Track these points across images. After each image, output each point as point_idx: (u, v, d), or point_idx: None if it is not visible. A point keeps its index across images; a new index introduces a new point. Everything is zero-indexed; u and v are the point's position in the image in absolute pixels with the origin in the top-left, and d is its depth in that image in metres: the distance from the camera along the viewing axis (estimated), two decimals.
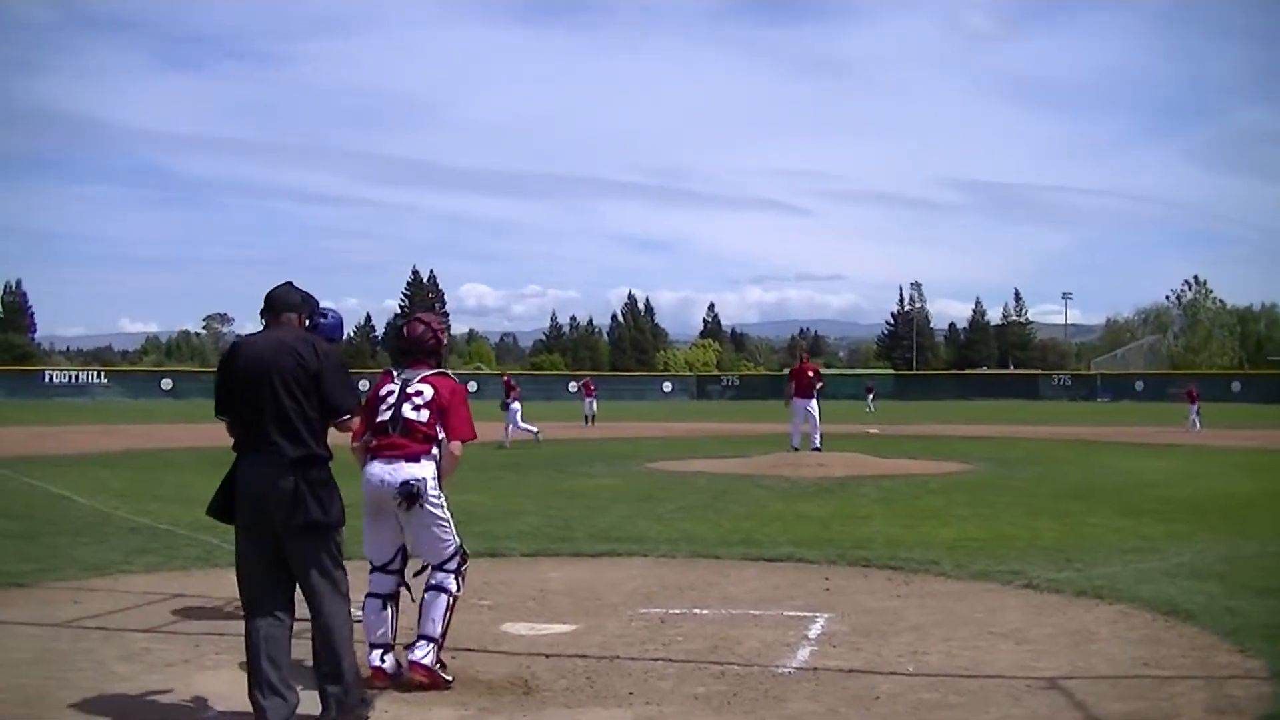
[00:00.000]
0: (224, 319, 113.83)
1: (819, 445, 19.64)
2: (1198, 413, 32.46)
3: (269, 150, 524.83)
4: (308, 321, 5.37)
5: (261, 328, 5.03)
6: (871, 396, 51.58)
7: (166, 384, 63.81)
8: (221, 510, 4.84)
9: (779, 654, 5.97)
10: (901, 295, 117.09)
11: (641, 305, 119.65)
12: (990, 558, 8.79)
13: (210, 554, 8.79)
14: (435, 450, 5.34)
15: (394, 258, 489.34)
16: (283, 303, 4.98)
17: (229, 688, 5.17)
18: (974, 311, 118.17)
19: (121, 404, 54.01)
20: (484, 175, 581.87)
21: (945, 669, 5.65)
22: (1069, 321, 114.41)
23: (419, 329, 5.60)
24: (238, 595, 4.87)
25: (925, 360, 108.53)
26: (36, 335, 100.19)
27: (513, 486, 15.05)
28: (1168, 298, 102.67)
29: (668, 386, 77.54)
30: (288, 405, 4.69)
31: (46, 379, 62.76)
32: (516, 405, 24.88)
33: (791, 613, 7.00)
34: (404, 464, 5.22)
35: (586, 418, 36.54)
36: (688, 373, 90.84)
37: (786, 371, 27.25)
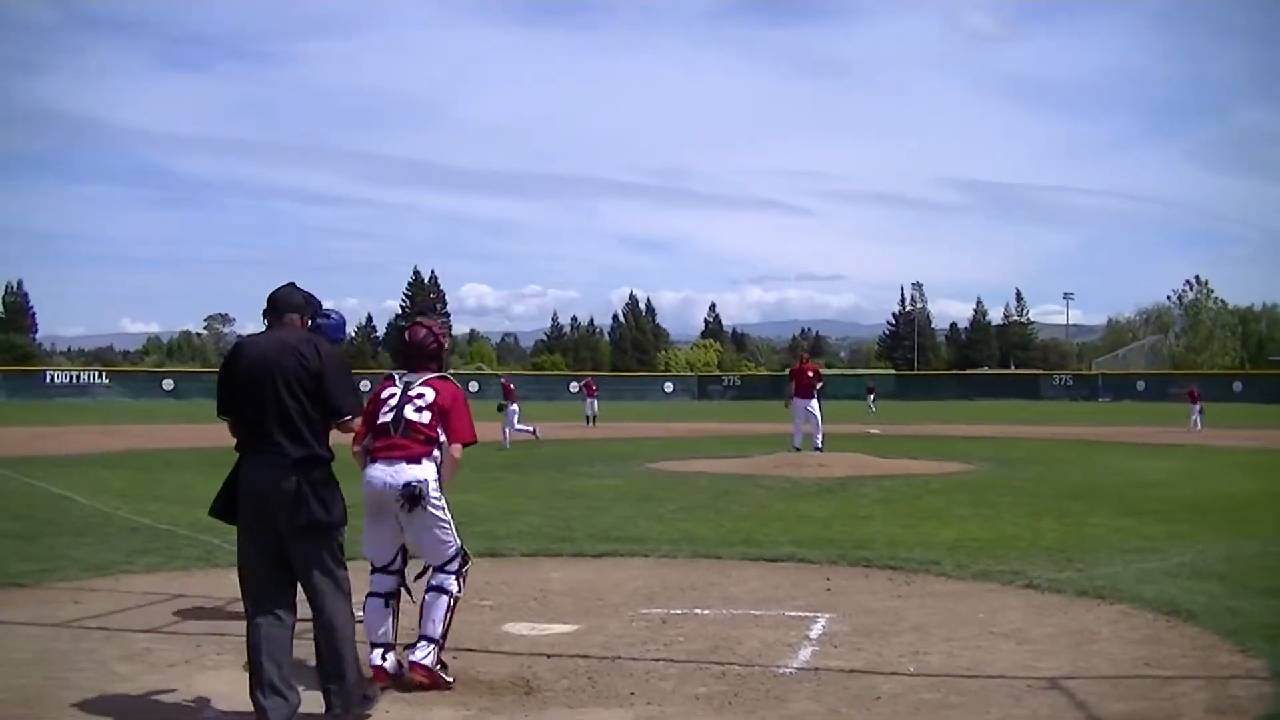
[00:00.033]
0: (225, 319, 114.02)
1: (820, 445, 19.64)
2: (1199, 413, 32.44)
3: (269, 150, 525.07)
4: (310, 322, 5.38)
5: (264, 328, 5.04)
6: (873, 397, 51.58)
7: (168, 384, 63.98)
8: (224, 510, 4.85)
9: (780, 654, 5.97)
10: (902, 295, 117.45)
11: (642, 305, 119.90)
12: (991, 558, 8.79)
13: (211, 554, 8.80)
14: (436, 452, 5.34)
15: (394, 258, 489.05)
16: (285, 303, 4.98)
17: (230, 688, 5.17)
18: (975, 312, 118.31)
19: (123, 404, 54.10)
20: (484, 175, 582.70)
21: (946, 669, 5.65)
22: (1070, 321, 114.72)
23: (420, 333, 5.61)
24: (239, 595, 4.87)
25: (926, 360, 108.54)
26: (38, 335, 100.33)
27: (513, 487, 15.05)
28: (1169, 298, 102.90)
29: (669, 387, 77.55)
30: (290, 406, 4.70)
31: (48, 379, 62.93)
32: (515, 408, 24.93)
33: (793, 613, 7.00)
34: (405, 465, 5.22)
35: (588, 418, 36.54)
36: (689, 373, 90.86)
37: (787, 372, 27.21)
